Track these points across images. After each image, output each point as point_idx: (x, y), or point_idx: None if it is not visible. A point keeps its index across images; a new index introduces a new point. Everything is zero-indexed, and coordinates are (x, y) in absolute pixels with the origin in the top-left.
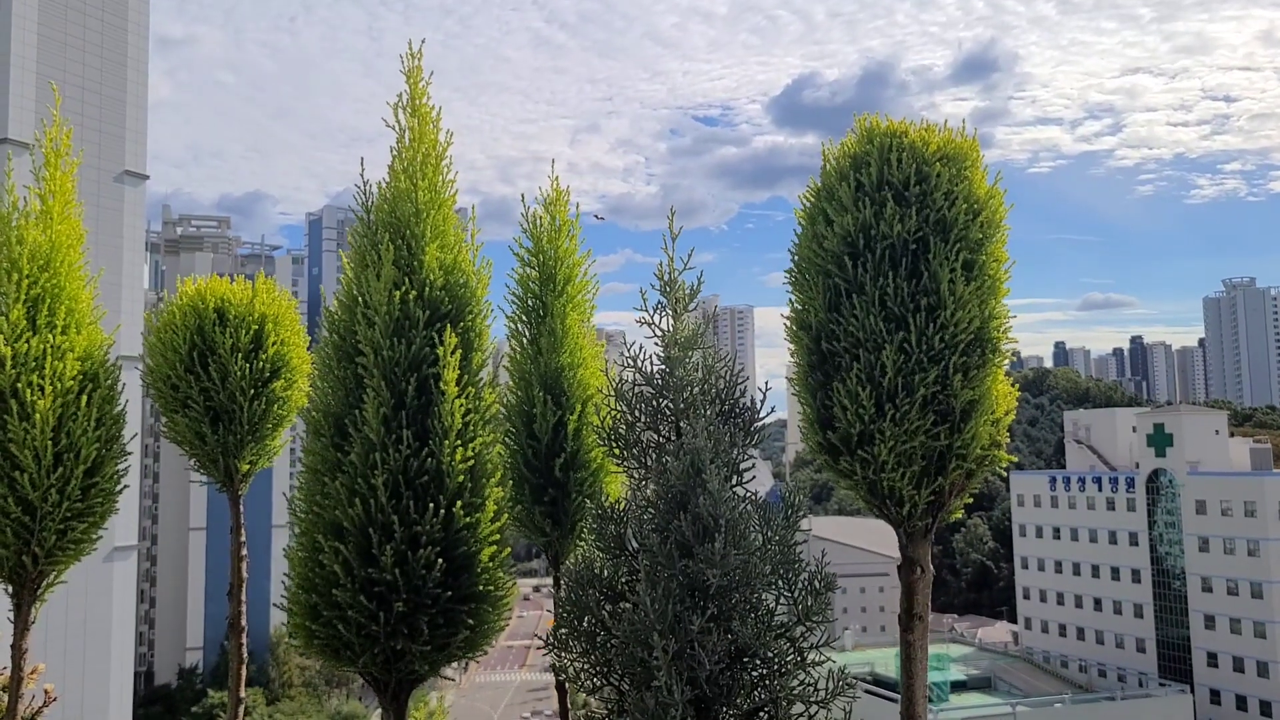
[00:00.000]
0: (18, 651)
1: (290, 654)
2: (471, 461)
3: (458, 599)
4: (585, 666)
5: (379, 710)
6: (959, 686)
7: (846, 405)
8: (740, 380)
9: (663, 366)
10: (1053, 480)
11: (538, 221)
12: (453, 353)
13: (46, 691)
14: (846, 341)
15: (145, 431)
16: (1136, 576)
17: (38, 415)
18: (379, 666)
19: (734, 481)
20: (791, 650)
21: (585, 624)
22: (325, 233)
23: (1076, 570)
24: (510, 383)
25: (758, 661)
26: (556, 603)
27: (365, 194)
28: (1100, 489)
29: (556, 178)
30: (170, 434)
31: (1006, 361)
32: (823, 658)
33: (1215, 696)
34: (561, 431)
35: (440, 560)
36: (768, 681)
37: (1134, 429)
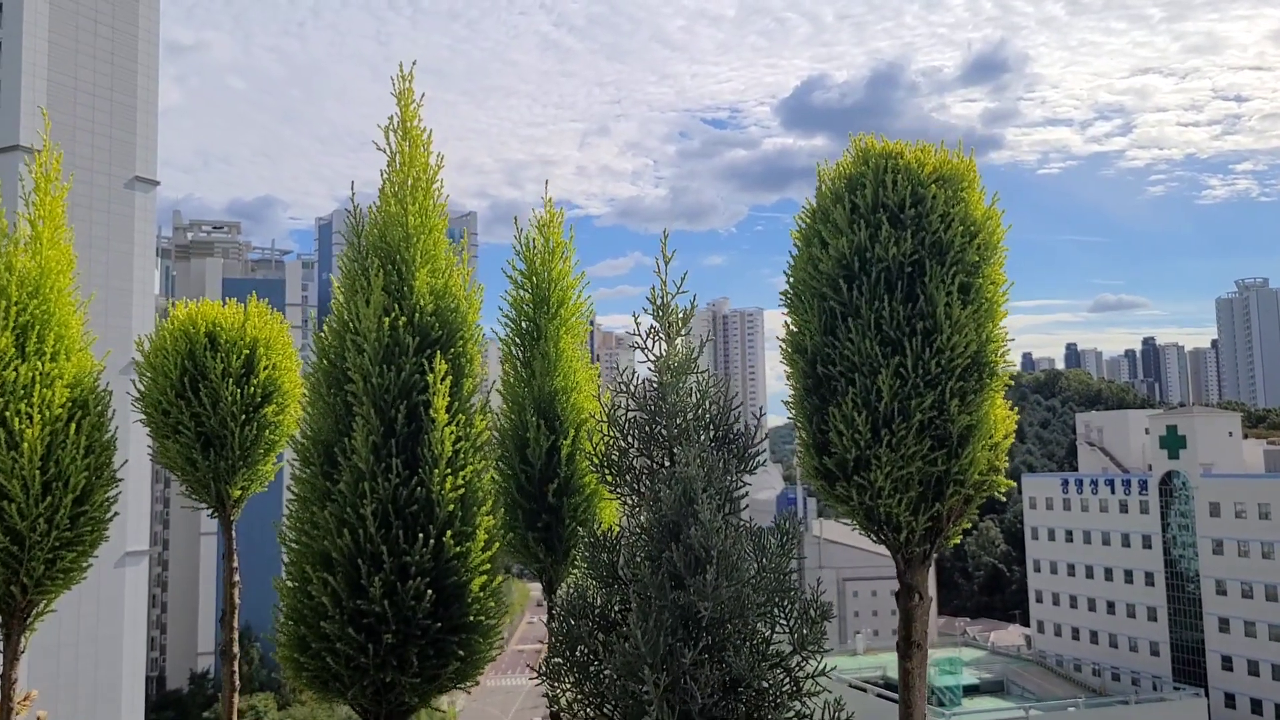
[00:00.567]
0: (7, 681)
1: None
2: (462, 490)
3: (448, 630)
4: (578, 697)
5: None
6: (971, 690)
7: (842, 430)
8: (734, 406)
9: (656, 391)
10: (1065, 483)
11: (531, 244)
12: (443, 380)
13: (40, 718)
14: (842, 365)
15: None
16: (1150, 579)
17: (26, 444)
18: (369, 699)
19: (727, 510)
20: (787, 680)
21: (578, 654)
22: (335, 237)
23: (1089, 573)
24: (503, 406)
25: (752, 692)
26: (550, 632)
27: (355, 218)
28: (1113, 491)
29: (550, 199)
30: (161, 459)
31: (1004, 385)
32: (819, 688)
33: (1230, 700)
34: (555, 456)
35: (430, 591)
36: (762, 713)
37: (1147, 431)
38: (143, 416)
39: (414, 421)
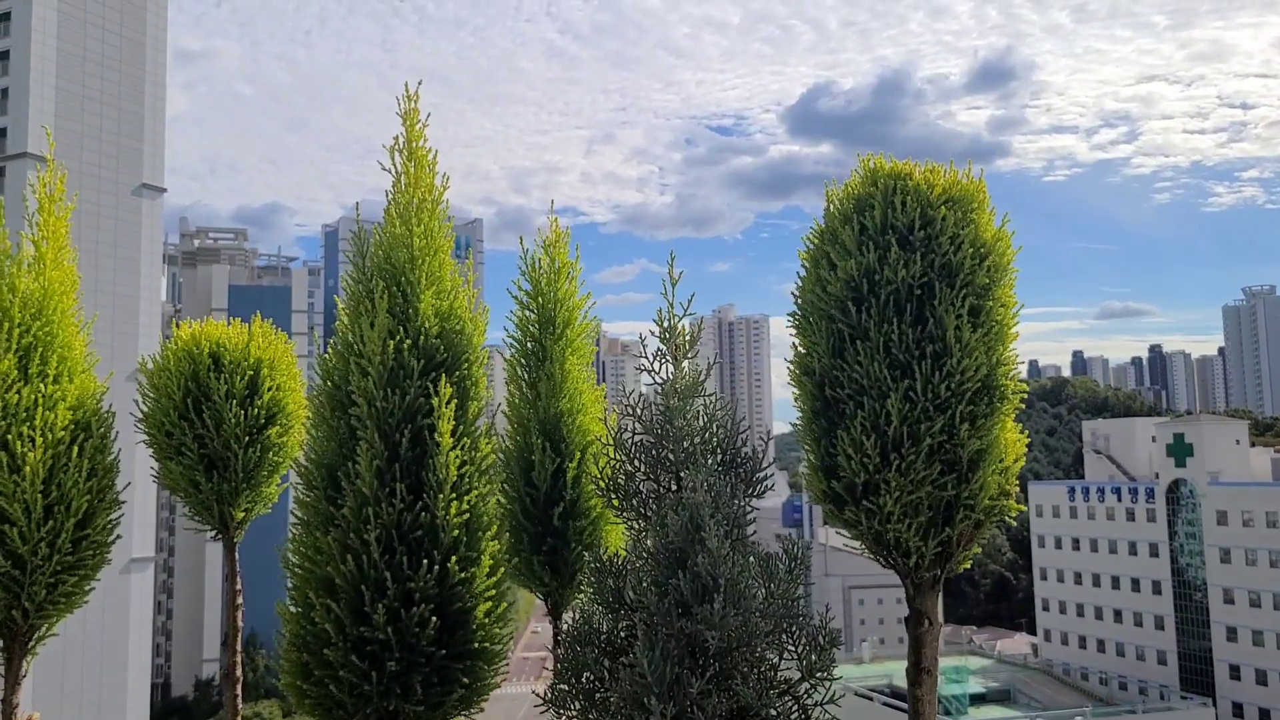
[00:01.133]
0: (9, 706)
1: None
2: (467, 515)
3: (452, 656)
4: None
5: None
6: (978, 699)
7: (851, 454)
8: (742, 427)
9: (663, 415)
10: (1071, 490)
11: (537, 264)
12: (448, 403)
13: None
14: (850, 388)
15: None
16: (1157, 588)
17: (28, 468)
18: None
19: (735, 536)
20: (796, 709)
21: (584, 681)
22: (341, 244)
23: (1096, 581)
24: (508, 428)
25: None
26: (556, 659)
27: (360, 239)
28: (1120, 499)
29: (555, 219)
30: (164, 481)
31: (1015, 409)
32: (828, 716)
33: (1238, 710)
34: (560, 479)
35: (434, 618)
36: None
37: (1153, 439)
38: (145, 437)
39: (418, 445)
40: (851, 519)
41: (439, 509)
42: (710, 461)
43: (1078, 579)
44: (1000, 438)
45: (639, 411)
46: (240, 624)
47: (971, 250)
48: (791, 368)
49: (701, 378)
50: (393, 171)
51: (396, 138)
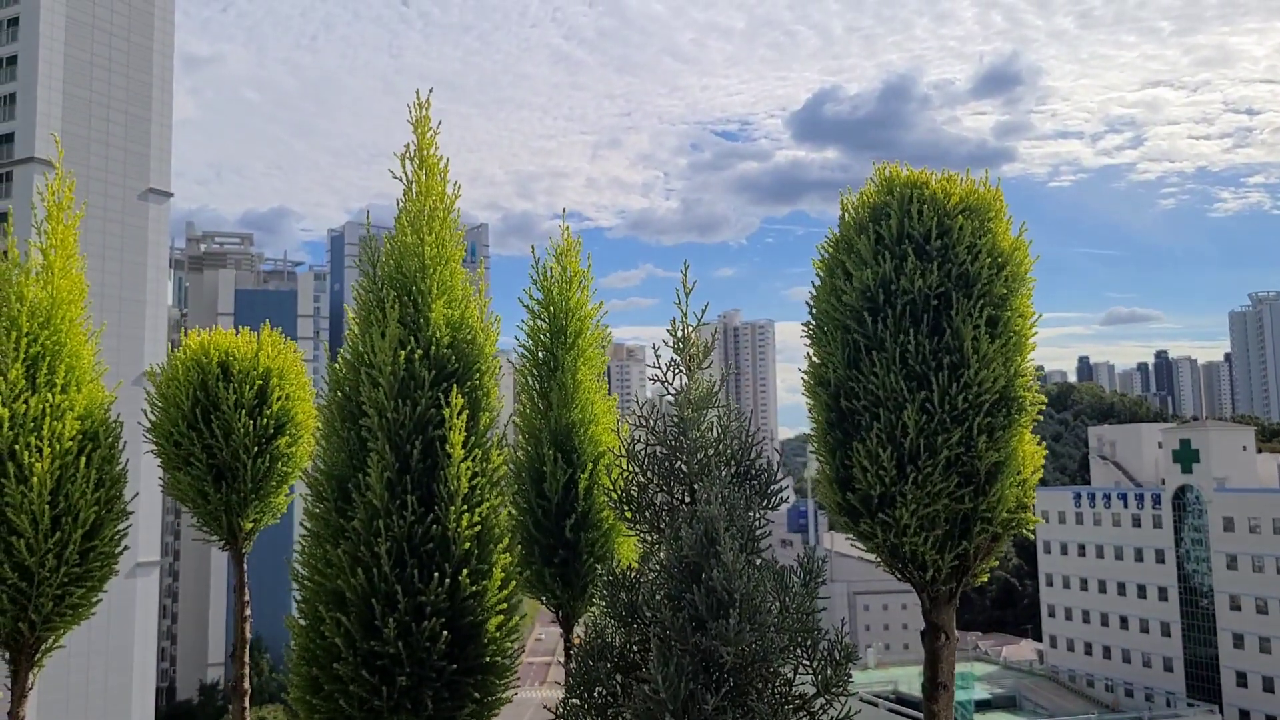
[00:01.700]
0: (15, 719)
1: None
2: (478, 527)
3: (463, 671)
4: None
5: None
6: (984, 706)
7: (866, 466)
8: (757, 441)
9: (676, 426)
10: (1077, 496)
11: (548, 273)
12: (459, 414)
13: None
14: (866, 400)
15: None
16: (1163, 594)
17: (35, 478)
18: None
19: (749, 549)
20: None
21: (596, 696)
22: (347, 249)
23: (1102, 587)
24: (519, 439)
25: None
26: (568, 674)
27: (370, 248)
28: (1126, 505)
29: (567, 227)
30: (172, 491)
31: (1033, 421)
32: None
33: (1245, 717)
34: (572, 491)
35: (445, 631)
36: None
37: (1160, 445)
38: (154, 447)
39: (430, 457)
40: (867, 532)
41: (450, 521)
42: (724, 473)
43: (1084, 585)
44: (1018, 450)
45: (652, 422)
46: (248, 635)
47: (989, 260)
48: (806, 378)
49: (715, 388)
50: (404, 179)
51: (408, 145)
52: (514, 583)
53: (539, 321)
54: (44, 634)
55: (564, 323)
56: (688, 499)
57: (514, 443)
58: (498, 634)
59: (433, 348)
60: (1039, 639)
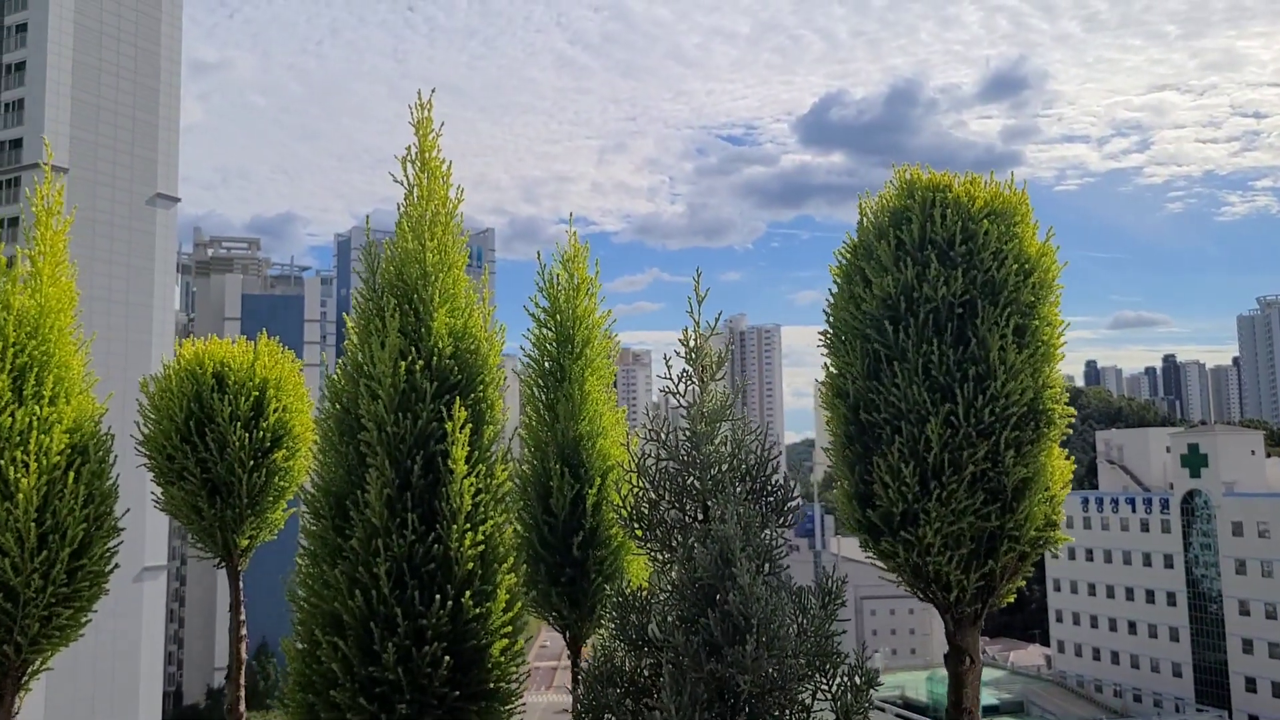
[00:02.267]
0: None
1: None
2: (482, 546)
3: (466, 697)
4: None
5: None
6: (991, 711)
7: (888, 482)
8: (773, 455)
9: (689, 441)
10: (1085, 501)
11: (555, 280)
12: (462, 428)
13: None
14: (887, 412)
15: None
16: (1172, 599)
17: (21, 495)
18: None
19: (766, 570)
20: None
21: None
22: (354, 253)
23: (1110, 593)
24: (525, 452)
25: None
26: (575, 699)
27: (370, 254)
28: (1134, 510)
29: (574, 233)
30: (165, 507)
31: (1062, 434)
32: None
33: None
34: (580, 506)
35: (447, 656)
36: None
37: (1168, 449)
38: (146, 461)
39: (431, 473)
40: (888, 550)
41: (453, 540)
42: (739, 489)
43: (1091, 590)
44: (1047, 465)
45: (663, 436)
46: (244, 656)
47: (1016, 266)
48: (823, 389)
49: (729, 401)
50: (405, 183)
51: (409, 148)
52: (519, 604)
53: (545, 330)
54: (31, 656)
55: (571, 331)
56: (701, 516)
57: (519, 456)
58: (502, 659)
59: (434, 358)
60: (1047, 644)
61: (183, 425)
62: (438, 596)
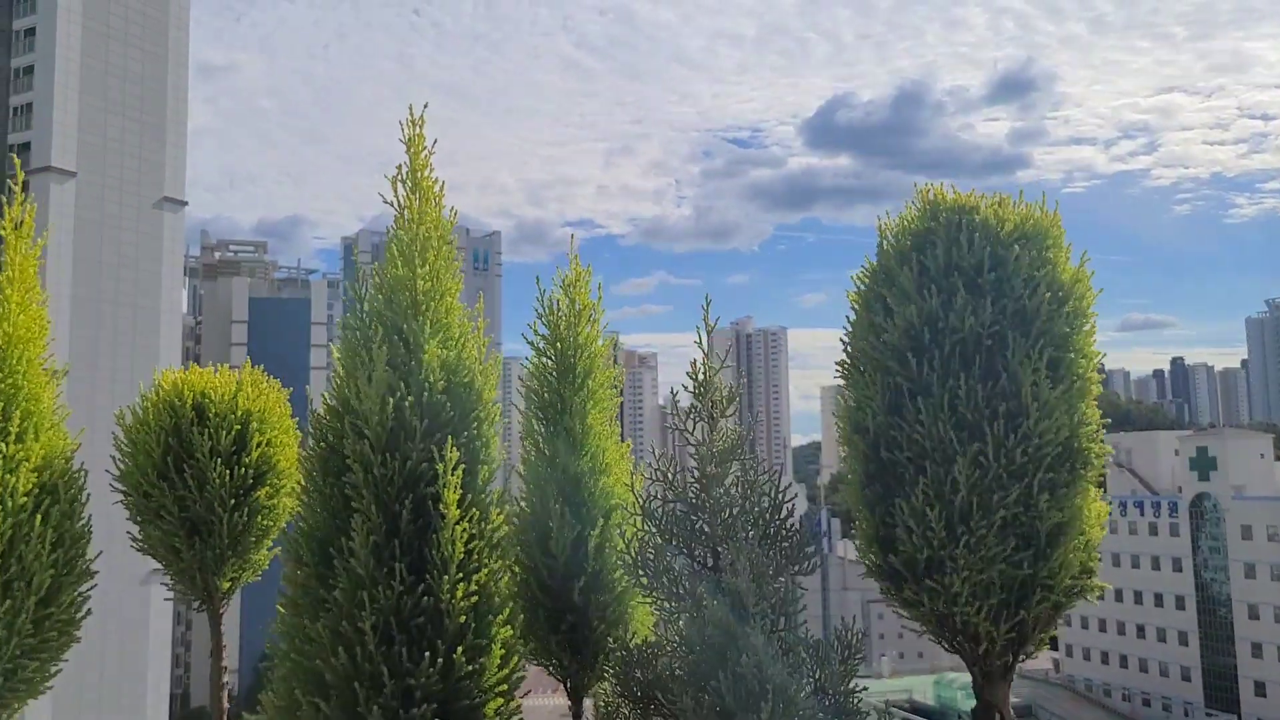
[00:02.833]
0: None
1: None
2: (475, 597)
3: None
4: None
5: None
6: None
7: (912, 526)
8: (787, 499)
9: (697, 483)
10: None
11: (555, 307)
12: (454, 469)
13: None
14: (910, 450)
15: None
16: (1181, 603)
17: None
18: None
19: (781, 624)
20: None
21: None
22: (360, 256)
23: (1119, 596)
24: (523, 489)
25: None
26: None
27: (360, 281)
28: (1142, 513)
29: (576, 258)
30: (142, 547)
31: (1099, 476)
32: None
33: None
34: (581, 549)
35: (437, 718)
36: None
37: (1176, 452)
38: (122, 499)
39: (421, 517)
40: (912, 599)
41: (443, 591)
42: (751, 534)
43: (1100, 593)
44: (1083, 508)
45: (670, 476)
46: (225, 705)
47: (1049, 294)
48: (840, 424)
49: (740, 441)
50: (395, 205)
51: (400, 167)
52: (515, 659)
53: (545, 359)
54: None
55: (572, 361)
56: (710, 563)
57: (517, 493)
58: (496, 718)
59: (425, 394)
60: (1055, 648)
61: (160, 461)
62: (427, 653)
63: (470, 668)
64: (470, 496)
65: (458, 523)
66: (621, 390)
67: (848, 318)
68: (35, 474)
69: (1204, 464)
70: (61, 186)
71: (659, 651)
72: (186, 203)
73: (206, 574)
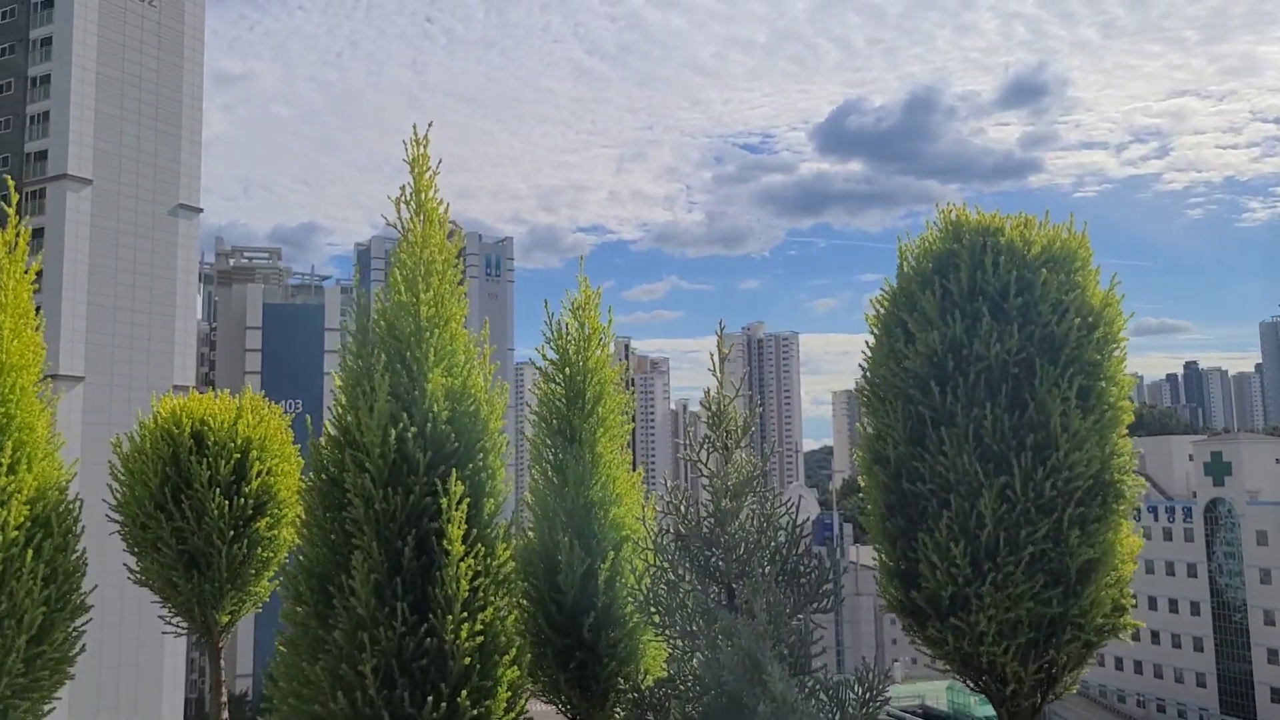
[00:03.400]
0: None
1: None
2: (481, 637)
3: None
4: None
5: None
6: None
7: (936, 562)
8: (804, 533)
9: (712, 517)
10: None
11: (564, 331)
12: (459, 503)
13: None
14: (934, 483)
15: None
16: (1196, 609)
17: None
18: None
19: (800, 666)
20: None
21: None
22: (374, 262)
23: (1133, 601)
24: (531, 520)
25: None
26: None
27: (360, 306)
28: (1156, 519)
29: (585, 279)
30: (138, 579)
31: (1132, 510)
32: None
33: None
34: (591, 583)
35: None
36: None
37: (1191, 457)
38: (118, 530)
39: (424, 554)
40: (935, 637)
41: (447, 631)
42: (767, 570)
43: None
44: (1114, 544)
45: (683, 510)
46: None
47: (1079, 320)
48: (860, 454)
49: (756, 472)
50: (399, 227)
51: (403, 188)
52: (522, 702)
53: (553, 385)
54: None
55: (582, 386)
56: (725, 600)
57: (525, 523)
58: None
59: (429, 424)
60: None
61: (157, 491)
62: (430, 697)
63: (475, 711)
64: (475, 531)
65: (462, 559)
66: (633, 416)
67: (866, 342)
68: (28, 506)
69: (1219, 469)
70: (78, 194)
71: (672, 692)
72: (202, 210)
73: (205, 608)
